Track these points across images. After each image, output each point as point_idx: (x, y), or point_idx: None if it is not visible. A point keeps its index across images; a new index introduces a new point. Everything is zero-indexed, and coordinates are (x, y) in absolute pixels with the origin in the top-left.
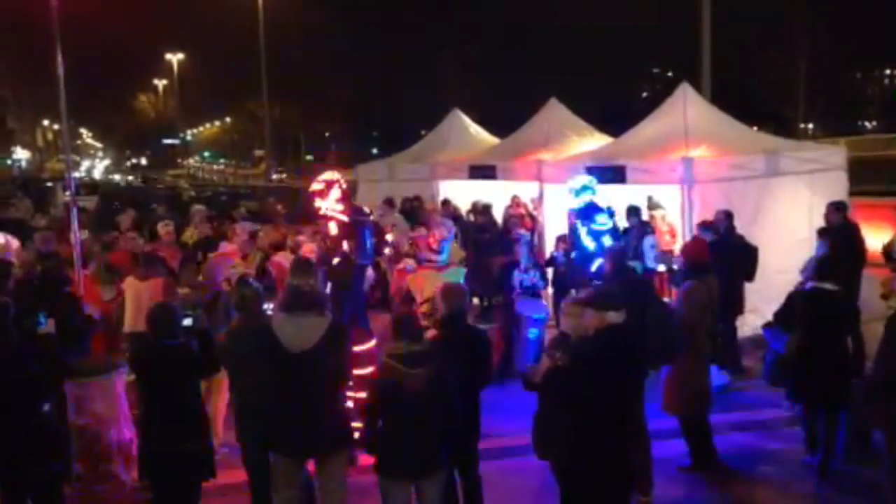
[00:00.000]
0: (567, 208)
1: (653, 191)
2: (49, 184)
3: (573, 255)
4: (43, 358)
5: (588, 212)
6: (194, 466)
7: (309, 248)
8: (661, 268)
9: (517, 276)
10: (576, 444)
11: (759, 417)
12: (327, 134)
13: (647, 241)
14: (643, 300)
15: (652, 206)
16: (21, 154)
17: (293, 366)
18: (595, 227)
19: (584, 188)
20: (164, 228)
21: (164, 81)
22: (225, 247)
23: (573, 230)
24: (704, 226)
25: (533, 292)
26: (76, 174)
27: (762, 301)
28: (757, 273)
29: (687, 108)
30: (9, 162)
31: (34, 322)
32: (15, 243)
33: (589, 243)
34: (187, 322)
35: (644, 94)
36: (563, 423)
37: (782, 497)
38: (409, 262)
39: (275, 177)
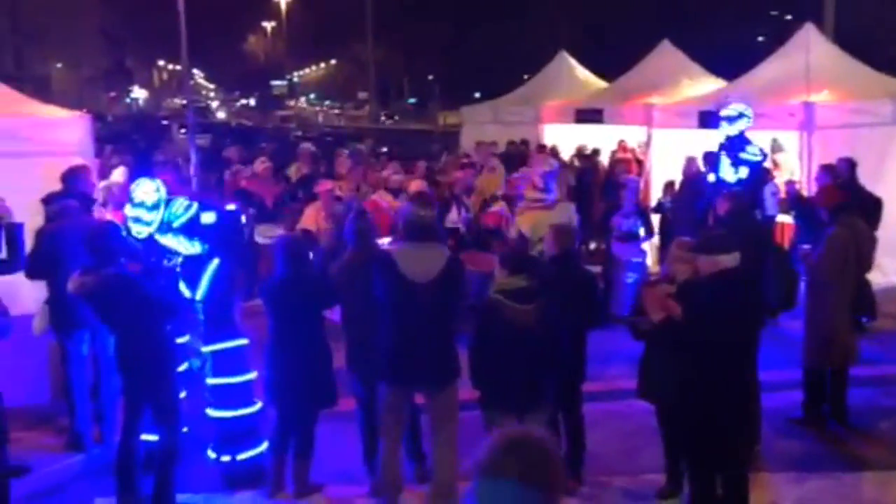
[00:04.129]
0: (686, 154)
1: (770, 137)
2: (165, 122)
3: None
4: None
5: (738, 142)
6: (317, 393)
7: (417, 184)
8: (787, 218)
9: (616, 219)
10: (684, 389)
11: (877, 372)
12: (430, 77)
13: (768, 187)
14: (761, 247)
15: (775, 149)
16: (138, 93)
17: (415, 296)
18: (744, 155)
19: (741, 115)
20: (261, 165)
21: (273, 24)
22: (325, 183)
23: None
24: (825, 169)
25: (630, 237)
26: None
27: (883, 255)
28: (879, 226)
29: (810, 49)
30: (127, 100)
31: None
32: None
33: (729, 175)
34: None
35: (760, 38)
36: (671, 369)
37: (893, 456)
38: (501, 205)
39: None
